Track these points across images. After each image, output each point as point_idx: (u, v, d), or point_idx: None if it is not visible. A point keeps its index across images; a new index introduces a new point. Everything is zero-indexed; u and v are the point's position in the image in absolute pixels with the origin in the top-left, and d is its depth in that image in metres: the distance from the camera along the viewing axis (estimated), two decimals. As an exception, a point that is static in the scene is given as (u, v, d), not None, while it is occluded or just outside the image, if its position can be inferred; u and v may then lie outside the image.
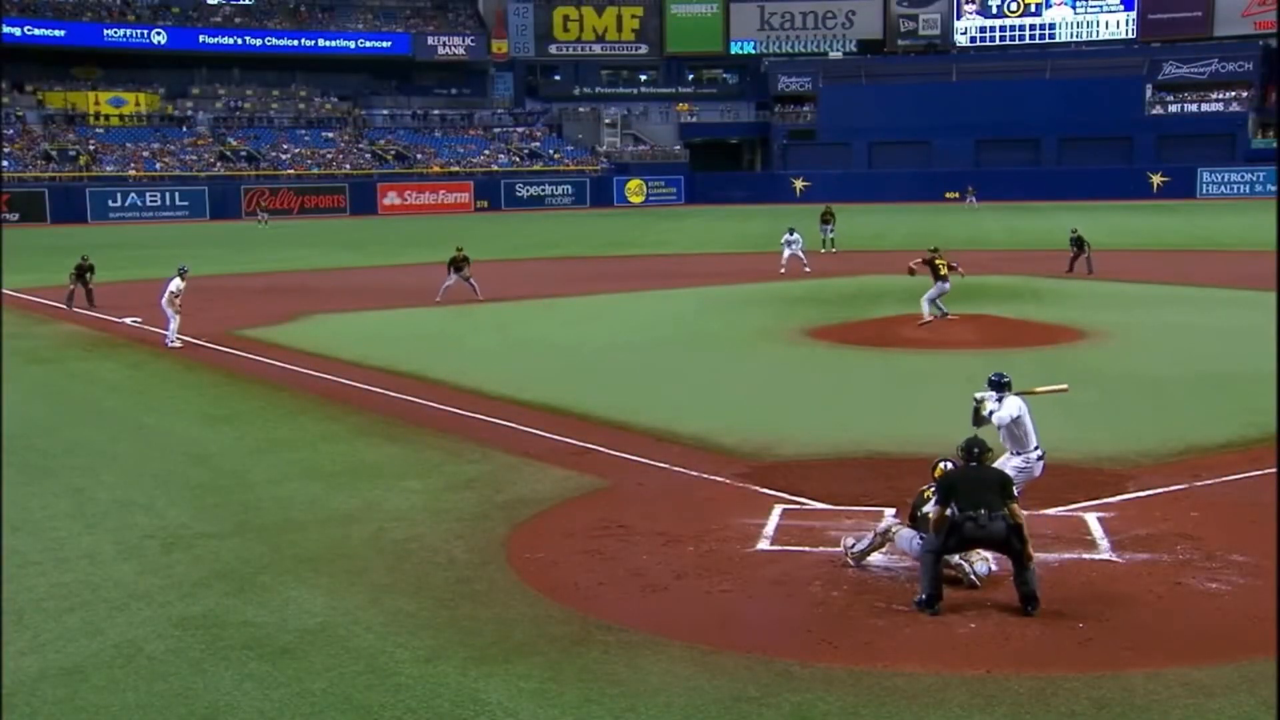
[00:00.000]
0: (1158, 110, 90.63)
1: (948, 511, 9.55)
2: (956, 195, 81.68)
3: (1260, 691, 7.91)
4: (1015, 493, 9.75)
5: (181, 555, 11.12)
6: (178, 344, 23.64)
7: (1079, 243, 36.10)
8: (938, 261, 25.17)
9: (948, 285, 25.13)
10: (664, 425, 16.22)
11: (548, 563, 10.85)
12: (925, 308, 25.05)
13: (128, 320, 28.16)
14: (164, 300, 24.12)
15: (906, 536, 10.21)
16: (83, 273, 30.95)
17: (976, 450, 9.89)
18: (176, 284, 24.12)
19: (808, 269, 37.17)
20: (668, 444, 15.24)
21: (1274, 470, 12.88)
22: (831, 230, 45.47)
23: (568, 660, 8.58)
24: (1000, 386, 11.25)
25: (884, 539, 10.45)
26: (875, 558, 10.60)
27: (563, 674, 8.33)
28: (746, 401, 18.00)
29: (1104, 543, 11.07)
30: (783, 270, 37.09)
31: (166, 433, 16.60)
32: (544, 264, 43.99)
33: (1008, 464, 11.03)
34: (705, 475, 13.69)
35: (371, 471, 14.15)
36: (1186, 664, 8.37)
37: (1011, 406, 11.12)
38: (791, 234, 38.33)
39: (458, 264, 31.29)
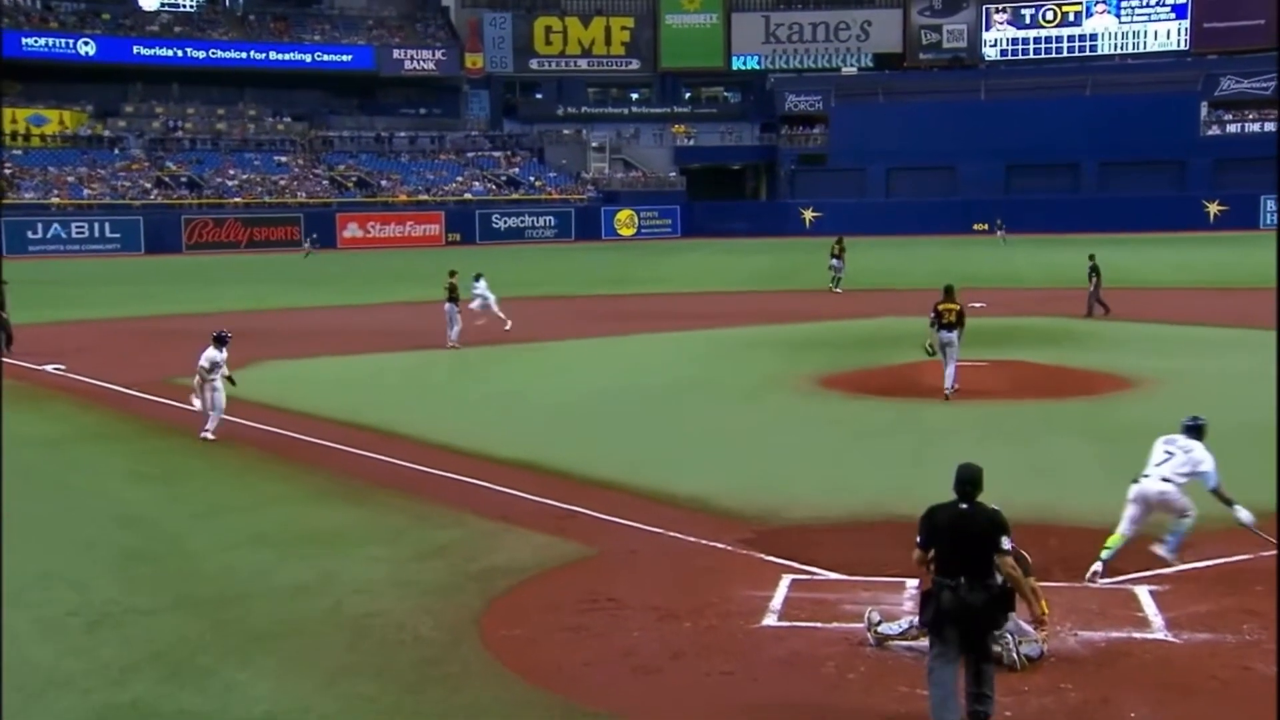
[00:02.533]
0: (1214, 130, 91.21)
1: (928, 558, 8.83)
2: (985, 227, 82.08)
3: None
4: (1007, 544, 8.72)
5: (109, 634, 11.03)
6: (211, 436, 19.68)
7: (1095, 272, 36.25)
8: (943, 306, 22.93)
9: (951, 336, 22.73)
10: (659, 485, 16.19)
11: (527, 641, 10.79)
12: (949, 373, 22.68)
13: (49, 367, 28.11)
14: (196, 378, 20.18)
15: None
16: None
17: (969, 488, 8.86)
18: (210, 355, 19.89)
19: (508, 327, 33.42)
20: (663, 506, 15.20)
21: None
22: (842, 266, 45.48)
23: (549, 753, 8.51)
24: (1196, 430, 12.31)
25: (920, 634, 10.12)
26: (876, 617, 10.60)
27: (544, 769, 8.26)
28: (751, 458, 17.98)
29: (1158, 620, 11.03)
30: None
31: (94, 494, 16.52)
32: (524, 304, 43.91)
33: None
34: (705, 541, 13.64)
35: (328, 538, 14.08)
36: (1252, 758, 8.31)
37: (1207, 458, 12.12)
38: (478, 282, 34.45)
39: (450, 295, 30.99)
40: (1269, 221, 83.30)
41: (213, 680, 9.91)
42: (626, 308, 40.96)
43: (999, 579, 8.73)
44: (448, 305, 30.89)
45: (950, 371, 22.67)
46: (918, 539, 8.93)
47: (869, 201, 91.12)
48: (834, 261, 45.45)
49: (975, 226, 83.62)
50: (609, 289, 48.49)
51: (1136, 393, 23.27)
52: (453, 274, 31.42)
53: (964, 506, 8.83)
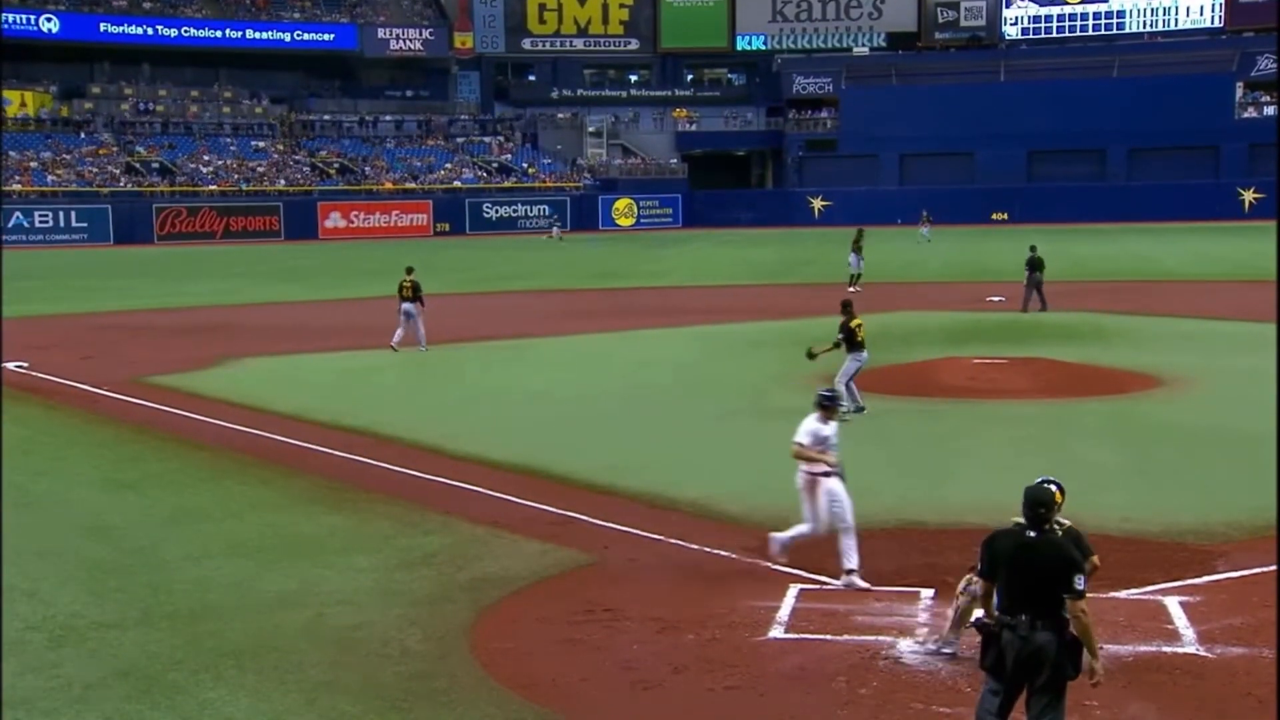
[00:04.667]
0: (1250, 113, 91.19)
1: (983, 607, 8.42)
2: (1004, 216, 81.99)
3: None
4: (1080, 583, 8.04)
5: (73, 650, 11.02)
6: None
7: (1034, 265, 36.28)
8: (854, 324, 21.26)
9: (865, 356, 21.45)
10: (659, 489, 16.21)
11: (520, 654, 10.79)
12: (844, 393, 20.26)
13: (11, 365, 28.10)
14: None
15: None
16: None
17: (1042, 510, 8.19)
18: None
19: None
20: (663, 512, 15.22)
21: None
22: (861, 261, 45.00)
23: (543, 774, 8.52)
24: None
25: (970, 602, 9.95)
26: (908, 645, 10.61)
27: (537, 791, 8.26)
28: (756, 461, 17.95)
29: (1189, 633, 11.03)
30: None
31: (59, 501, 16.50)
32: (517, 298, 44.09)
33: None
34: (708, 549, 13.67)
35: (310, 546, 14.09)
36: (1289, 778, 8.32)
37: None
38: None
39: (408, 292, 30.06)
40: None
41: (185, 698, 9.90)
42: (624, 302, 40.96)
43: (1066, 621, 8.07)
44: (406, 305, 29.86)
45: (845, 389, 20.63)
46: (979, 565, 8.61)
47: (881, 190, 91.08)
48: (852, 258, 44.89)
49: (994, 216, 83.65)
50: (607, 282, 48.49)
51: (1167, 391, 23.29)
52: (410, 271, 30.55)
53: (1031, 534, 8.16)
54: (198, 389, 24.85)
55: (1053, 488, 8.60)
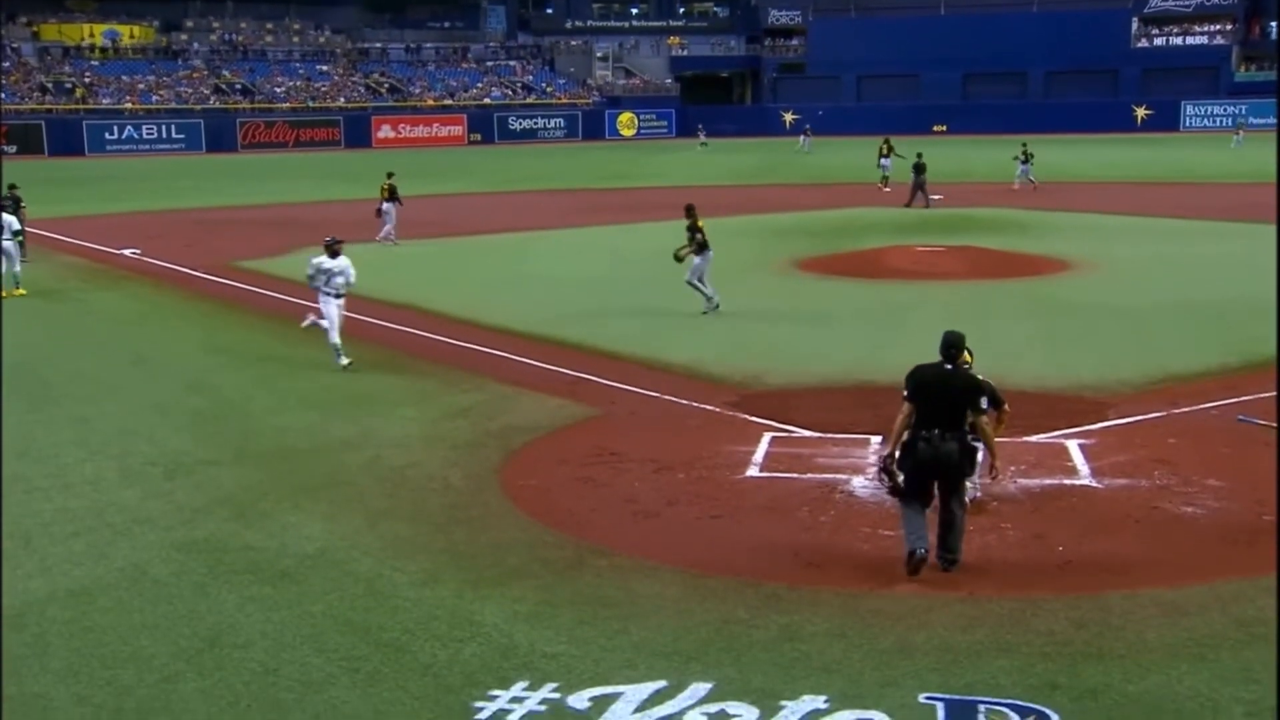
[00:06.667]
0: (1143, 43, 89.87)
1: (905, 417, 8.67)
2: (943, 128, 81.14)
3: (1231, 610, 8.00)
4: (984, 403, 8.76)
5: (183, 482, 11.14)
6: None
7: (919, 170, 36.25)
8: (699, 225, 19.13)
9: (710, 255, 19.27)
10: (656, 354, 16.24)
11: (541, 489, 10.88)
12: (706, 292, 19.06)
13: (126, 251, 27.99)
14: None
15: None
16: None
17: (954, 351, 8.85)
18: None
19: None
20: (659, 373, 15.26)
21: (1251, 396, 12.93)
22: (890, 165, 41.68)
23: (561, 584, 8.64)
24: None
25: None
26: (859, 481, 10.70)
27: (556, 597, 8.39)
28: (737, 331, 17.99)
29: (1084, 469, 11.13)
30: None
31: (167, 363, 16.56)
32: (538, 196, 43.72)
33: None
34: (695, 404, 13.72)
35: (368, 400, 14.15)
36: (1162, 585, 8.45)
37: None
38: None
39: (385, 193, 29.19)
40: (1187, 125, 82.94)
41: (271, 522, 10.02)
42: (628, 200, 40.63)
43: (969, 433, 8.70)
44: (385, 205, 29.20)
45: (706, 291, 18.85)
46: (904, 393, 8.79)
47: (842, 106, 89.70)
48: (883, 161, 42.30)
49: (935, 128, 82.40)
50: (613, 183, 48.05)
51: (1074, 273, 23.22)
52: (390, 175, 29.78)
53: (948, 367, 8.82)
54: (276, 272, 24.76)
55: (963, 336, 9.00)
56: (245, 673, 7.28)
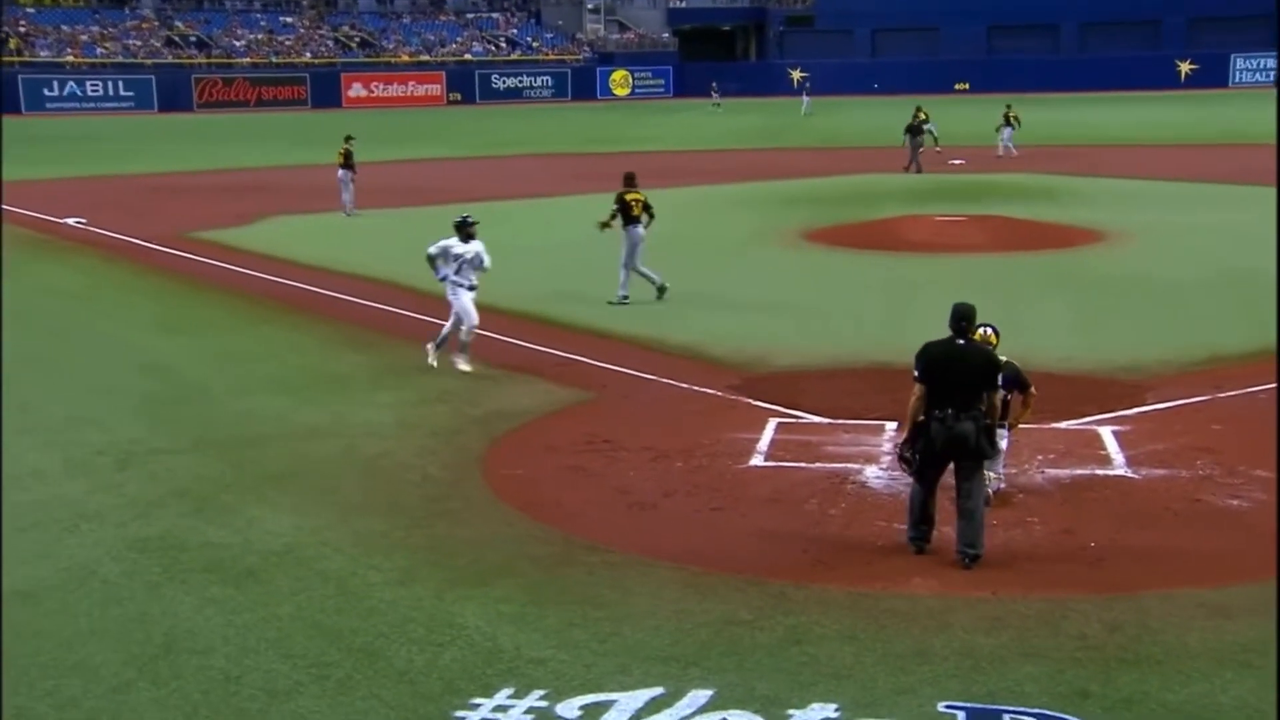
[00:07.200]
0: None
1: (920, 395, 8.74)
2: (965, 85, 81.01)
3: (1280, 613, 8.02)
4: (1000, 381, 8.88)
5: (136, 472, 11.14)
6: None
7: (914, 131, 36.56)
8: (630, 196, 18.39)
9: (640, 233, 18.43)
10: (651, 334, 16.25)
11: (527, 480, 10.90)
12: (623, 278, 18.29)
13: (71, 221, 27.93)
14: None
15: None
16: None
17: (964, 323, 8.91)
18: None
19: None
20: (656, 354, 15.27)
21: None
22: (934, 126, 40.19)
23: (549, 582, 8.66)
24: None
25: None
26: (873, 471, 10.72)
27: (543, 596, 8.41)
28: (739, 309, 17.99)
29: (1119, 458, 11.15)
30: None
31: (119, 343, 16.56)
32: (524, 161, 43.67)
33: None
34: (695, 387, 13.72)
35: (339, 383, 14.17)
36: (1204, 585, 8.47)
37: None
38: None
39: (340, 159, 28.98)
40: (1237, 80, 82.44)
41: (235, 516, 10.03)
42: (621, 165, 40.47)
43: (983, 414, 8.72)
44: (341, 171, 28.84)
45: (625, 277, 18.23)
46: (914, 374, 8.87)
47: (854, 62, 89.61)
48: (928, 126, 39.85)
49: (957, 86, 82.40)
50: (604, 147, 47.98)
51: (1108, 244, 23.23)
52: (348, 139, 29.31)
53: (960, 342, 8.86)
54: (237, 243, 24.75)
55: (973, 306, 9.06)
56: (204, 681, 7.29)
